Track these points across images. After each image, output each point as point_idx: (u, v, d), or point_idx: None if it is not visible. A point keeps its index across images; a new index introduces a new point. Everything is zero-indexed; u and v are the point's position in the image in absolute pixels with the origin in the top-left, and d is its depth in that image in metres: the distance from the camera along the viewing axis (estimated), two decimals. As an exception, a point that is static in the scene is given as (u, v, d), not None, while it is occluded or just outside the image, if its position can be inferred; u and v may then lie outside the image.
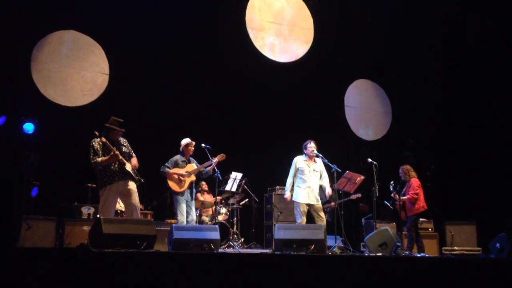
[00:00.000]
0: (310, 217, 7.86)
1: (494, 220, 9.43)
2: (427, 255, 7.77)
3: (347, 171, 8.50)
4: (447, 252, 9.34)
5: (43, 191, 8.40)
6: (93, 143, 6.45)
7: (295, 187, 7.92)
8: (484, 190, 10.18)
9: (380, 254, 6.98)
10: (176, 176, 7.69)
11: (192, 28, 10.24)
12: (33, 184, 8.24)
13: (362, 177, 8.48)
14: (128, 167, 6.50)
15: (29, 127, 8.42)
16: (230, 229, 9.32)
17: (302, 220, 7.70)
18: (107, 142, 6.41)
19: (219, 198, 9.33)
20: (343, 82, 11.82)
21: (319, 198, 7.94)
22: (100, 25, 9.58)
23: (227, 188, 9.49)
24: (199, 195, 9.70)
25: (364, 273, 5.29)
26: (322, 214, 7.78)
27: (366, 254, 7.34)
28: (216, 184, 8.20)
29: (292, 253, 6.45)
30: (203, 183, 9.95)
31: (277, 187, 10.03)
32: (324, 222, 7.66)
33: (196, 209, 8.43)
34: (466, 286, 5.26)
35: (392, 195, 8.68)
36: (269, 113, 10.87)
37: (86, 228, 7.64)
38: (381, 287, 5.14)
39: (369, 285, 5.19)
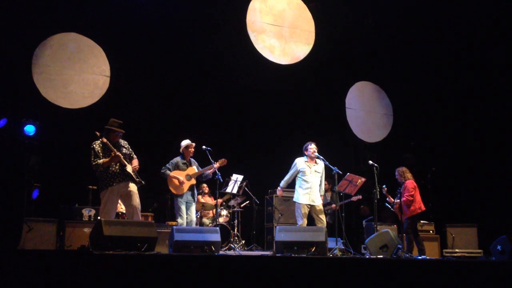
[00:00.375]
0: (311, 219, 7.85)
1: (495, 222, 9.43)
2: (427, 257, 7.76)
3: (348, 173, 8.50)
4: (448, 255, 9.32)
5: (44, 193, 8.41)
6: (94, 145, 6.47)
7: (296, 188, 7.90)
8: (485, 192, 10.17)
9: (381, 256, 6.97)
10: (176, 180, 7.69)
11: (192, 31, 10.25)
12: (34, 186, 8.25)
13: (363, 179, 8.48)
14: (129, 168, 6.51)
15: (30, 129, 8.43)
16: (231, 231, 9.31)
17: (303, 222, 7.69)
18: (108, 143, 6.42)
19: (220, 200, 9.33)
20: (344, 84, 11.82)
21: (320, 199, 7.93)
22: (101, 27, 9.59)
23: (228, 190, 9.49)
24: (200, 197, 9.70)
25: (365, 275, 5.28)
26: (322, 216, 7.77)
27: (367, 256, 7.33)
28: (217, 186, 8.20)
29: (293, 255, 6.45)
30: (205, 185, 9.95)
31: (278, 189, 10.00)
32: (325, 224, 7.65)
33: (196, 211, 8.43)
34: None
35: (387, 198, 8.67)
36: (270, 115, 10.88)
37: (87, 230, 7.64)
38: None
39: (370, 287, 5.19)
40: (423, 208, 8.50)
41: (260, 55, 10.82)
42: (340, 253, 7.73)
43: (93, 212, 8.21)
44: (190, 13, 10.19)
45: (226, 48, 10.44)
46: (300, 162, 7.95)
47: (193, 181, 7.79)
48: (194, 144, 7.91)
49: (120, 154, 6.41)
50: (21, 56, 8.95)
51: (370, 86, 12.16)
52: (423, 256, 7.91)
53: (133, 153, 6.76)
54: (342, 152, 10.78)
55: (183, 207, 7.68)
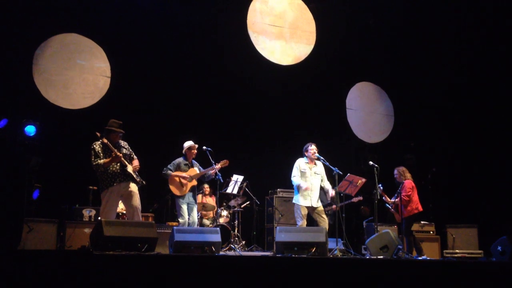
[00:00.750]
0: (311, 219, 7.85)
1: (496, 223, 9.42)
2: (428, 258, 7.75)
3: (349, 174, 8.49)
4: (449, 255, 9.32)
5: (45, 193, 8.42)
6: (94, 145, 6.47)
7: (296, 189, 7.90)
8: (485, 193, 10.17)
9: (381, 257, 6.97)
10: (177, 180, 7.69)
11: (193, 32, 10.25)
12: (35, 187, 8.26)
13: (364, 179, 8.48)
14: (130, 169, 6.51)
15: (30, 129, 8.44)
16: (231, 231, 9.31)
17: (302, 222, 7.68)
18: (109, 144, 6.43)
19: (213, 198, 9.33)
20: (345, 84, 11.82)
21: (319, 201, 7.93)
22: (102, 28, 9.60)
23: (229, 190, 9.50)
24: (200, 197, 9.70)
25: (365, 276, 5.28)
26: (324, 216, 7.77)
27: (367, 257, 7.33)
28: (217, 187, 8.20)
29: (293, 256, 6.44)
30: (206, 186, 9.94)
31: (278, 189, 10.02)
32: (327, 223, 7.65)
33: (197, 212, 8.43)
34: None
35: (383, 198, 8.66)
36: (271, 115, 10.88)
37: (88, 230, 7.66)
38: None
39: (370, 288, 5.19)
40: (420, 208, 8.45)
41: (260, 56, 10.82)
42: (341, 253, 7.73)
43: (93, 212, 8.21)
44: (191, 14, 10.20)
45: (226, 49, 10.44)
46: (300, 163, 7.94)
47: (194, 182, 7.79)
48: (196, 146, 7.90)
49: (120, 155, 6.41)
50: (22, 57, 8.97)
51: (371, 86, 12.15)
52: (423, 257, 7.91)
53: (133, 153, 6.77)
54: (342, 153, 10.77)
55: (185, 208, 7.69)
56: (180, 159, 7.90)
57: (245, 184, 9.65)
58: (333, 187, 8.18)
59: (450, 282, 5.33)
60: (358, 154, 11.47)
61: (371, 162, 8.37)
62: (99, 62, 9.72)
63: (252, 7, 10.85)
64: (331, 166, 7.93)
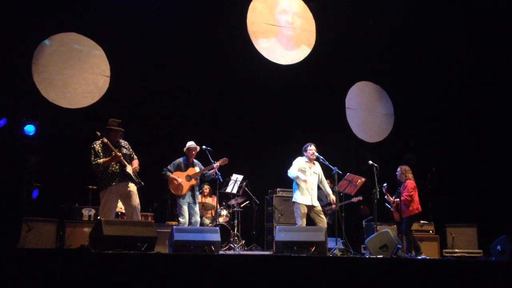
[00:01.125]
0: (310, 219, 7.85)
1: (495, 222, 9.43)
2: (427, 257, 7.76)
3: (348, 173, 8.50)
4: (448, 255, 9.33)
5: (44, 193, 8.41)
6: (94, 145, 6.47)
7: (295, 188, 7.88)
8: (485, 192, 10.17)
9: (380, 256, 6.97)
10: (175, 181, 7.68)
11: (193, 31, 10.25)
12: (34, 186, 8.25)
13: (363, 179, 8.48)
14: (129, 169, 6.51)
15: (30, 129, 8.43)
16: (231, 231, 9.31)
17: (302, 222, 7.68)
18: (109, 143, 6.42)
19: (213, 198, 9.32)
20: (345, 84, 11.83)
21: (317, 201, 7.93)
22: (101, 27, 9.60)
23: (228, 190, 9.49)
24: (200, 197, 9.69)
25: (364, 275, 5.28)
26: (322, 215, 7.77)
27: (367, 256, 7.34)
28: (217, 186, 8.20)
29: (293, 255, 6.44)
30: (205, 186, 9.94)
31: (278, 189, 10.02)
32: (325, 223, 7.65)
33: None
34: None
35: (385, 197, 8.67)
36: (270, 115, 10.88)
37: (87, 230, 7.65)
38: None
39: (370, 287, 5.19)
40: (420, 209, 8.52)
41: (260, 56, 10.83)
42: (340, 253, 7.73)
43: (93, 212, 8.21)
44: (190, 13, 10.20)
45: (226, 49, 10.44)
46: (300, 162, 7.93)
47: (193, 182, 7.76)
48: (197, 148, 7.86)
49: (120, 154, 6.41)
50: (21, 56, 8.96)
51: (371, 86, 12.16)
52: (422, 256, 7.91)
53: (133, 153, 6.77)
54: (342, 152, 10.77)
55: (185, 207, 7.67)
56: (181, 159, 7.90)
57: (244, 183, 9.65)
58: (332, 187, 8.18)
59: (449, 281, 5.33)
60: (358, 153, 11.47)
61: (370, 162, 8.37)
62: (99, 61, 9.72)
63: (252, 7, 10.85)
64: (330, 166, 7.93)
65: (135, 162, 6.69)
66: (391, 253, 7.08)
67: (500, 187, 10.02)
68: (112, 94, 9.64)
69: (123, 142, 6.71)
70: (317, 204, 7.81)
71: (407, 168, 8.71)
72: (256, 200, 9.93)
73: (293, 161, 8.00)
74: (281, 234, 6.81)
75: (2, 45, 8.50)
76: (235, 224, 9.60)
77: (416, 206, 8.45)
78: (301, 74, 11.04)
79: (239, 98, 10.67)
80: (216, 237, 6.44)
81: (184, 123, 10.03)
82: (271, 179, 10.16)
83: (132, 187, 6.52)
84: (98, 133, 6.52)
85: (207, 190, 10.07)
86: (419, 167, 10.26)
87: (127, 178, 6.49)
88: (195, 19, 10.25)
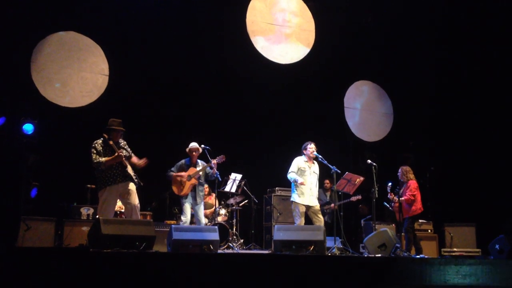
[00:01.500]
0: (308, 218, 7.84)
1: (494, 221, 9.44)
2: (426, 256, 7.77)
3: (347, 172, 8.50)
4: (446, 254, 9.34)
5: (43, 191, 8.41)
6: (95, 144, 6.47)
7: (293, 188, 7.89)
8: (483, 191, 10.18)
9: (379, 255, 6.98)
10: (178, 179, 7.68)
11: (192, 30, 10.24)
12: (33, 185, 8.25)
13: (362, 178, 8.49)
14: (130, 170, 6.51)
15: (28, 127, 8.43)
16: (230, 230, 9.31)
17: (300, 221, 7.68)
18: (113, 144, 6.43)
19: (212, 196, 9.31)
20: (344, 83, 11.83)
21: (316, 200, 7.93)
22: (100, 26, 9.59)
23: (227, 189, 9.49)
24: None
25: (363, 274, 5.29)
26: (320, 215, 7.77)
27: (365, 255, 7.34)
28: (215, 185, 8.20)
29: (291, 254, 6.45)
30: (205, 186, 9.91)
31: (276, 188, 10.02)
32: (322, 223, 7.65)
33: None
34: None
35: (388, 196, 8.67)
36: (269, 114, 10.87)
37: (85, 228, 7.64)
38: (380, 288, 5.15)
39: (368, 286, 5.19)
40: (422, 209, 8.54)
41: (260, 55, 10.82)
42: (339, 252, 7.74)
43: (91, 210, 8.21)
44: (189, 12, 10.19)
45: (225, 48, 10.43)
46: (299, 161, 7.94)
47: (194, 181, 7.73)
48: (199, 149, 7.83)
49: (123, 155, 6.41)
50: (20, 55, 8.95)
51: (370, 85, 12.16)
52: (421, 255, 7.92)
53: (131, 152, 6.75)
54: (340, 151, 10.78)
55: (187, 207, 7.65)
56: (183, 160, 7.89)
57: (243, 182, 9.64)
58: (331, 186, 8.18)
59: (447, 280, 5.34)
60: (357, 152, 11.47)
61: (369, 161, 8.38)
62: (98, 60, 9.72)
63: (251, 6, 10.84)
64: (329, 165, 7.93)
65: (135, 158, 6.69)
66: (390, 252, 7.09)
67: (498, 186, 10.03)
68: (111, 93, 9.63)
69: (123, 142, 6.71)
70: (315, 203, 7.81)
71: (408, 168, 8.72)
72: (254, 199, 9.93)
73: (291, 160, 8.01)
74: (279, 233, 6.81)
75: (1, 44, 8.49)
76: (234, 223, 9.60)
77: (419, 206, 8.46)
78: (300, 73, 11.04)
79: (238, 96, 10.66)
80: (215, 236, 6.44)
81: (183, 122, 10.02)
82: (270, 178, 10.16)
83: (132, 186, 6.52)
84: (106, 136, 6.50)
85: (206, 189, 10.05)
86: (418, 167, 10.26)
87: (127, 178, 6.49)
88: (195, 18, 10.25)
